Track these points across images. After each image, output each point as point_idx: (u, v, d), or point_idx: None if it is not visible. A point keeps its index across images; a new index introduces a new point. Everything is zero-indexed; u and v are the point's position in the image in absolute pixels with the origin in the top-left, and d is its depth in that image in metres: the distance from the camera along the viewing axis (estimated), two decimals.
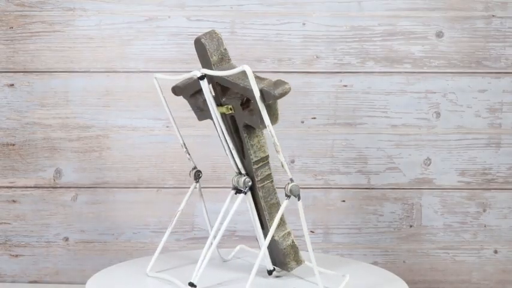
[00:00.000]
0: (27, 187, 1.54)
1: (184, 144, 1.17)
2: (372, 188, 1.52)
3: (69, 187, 1.53)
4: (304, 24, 1.50)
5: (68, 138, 1.52)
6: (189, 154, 1.17)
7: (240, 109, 1.07)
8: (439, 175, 1.52)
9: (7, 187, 1.54)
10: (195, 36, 1.50)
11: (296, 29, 1.49)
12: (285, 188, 1.02)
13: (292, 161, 1.52)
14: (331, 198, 1.52)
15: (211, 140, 1.50)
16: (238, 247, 1.27)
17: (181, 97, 1.53)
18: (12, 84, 1.52)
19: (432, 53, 1.50)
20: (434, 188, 1.52)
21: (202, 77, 1.04)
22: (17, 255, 1.55)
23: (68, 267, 1.55)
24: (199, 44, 1.09)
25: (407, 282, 1.17)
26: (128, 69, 1.51)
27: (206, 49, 1.08)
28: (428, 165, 1.51)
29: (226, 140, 1.09)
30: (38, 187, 1.53)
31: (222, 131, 1.08)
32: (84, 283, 1.18)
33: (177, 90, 1.15)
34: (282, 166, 1.01)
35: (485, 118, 1.51)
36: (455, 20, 1.49)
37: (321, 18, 1.50)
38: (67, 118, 1.52)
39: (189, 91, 1.14)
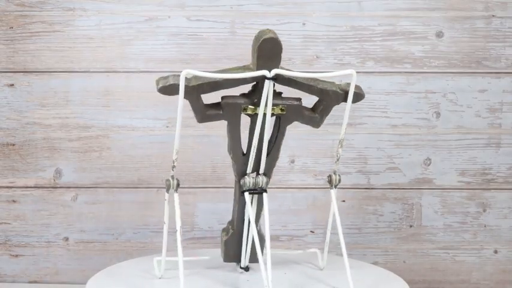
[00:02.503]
0: (27, 187, 1.54)
1: (177, 152, 1.12)
2: (372, 188, 1.52)
3: (69, 187, 1.53)
4: (304, 24, 1.50)
5: (68, 138, 1.52)
6: (176, 161, 1.11)
7: (293, 109, 1.08)
8: (439, 175, 1.52)
9: (7, 187, 1.54)
10: (195, 36, 1.51)
11: (296, 29, 1.49)
12: (331, 178, 1.12)
13: (292, 161, 1.52)
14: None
15: (211, 140, 1.50)
16: (155, 260, 1.18)
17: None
18: (12, 84, 1.52)
19: (432, 53, 1.50)
20: (434, 188, 1.52)
21: (274, 78, 1.03)
22: (17, 255, 1.55)
23: (68, 267, 1.55)
24: (274, 43, 1.04)
25: (408, 282, 1.17)
26: (128, 69, 1.51)
27: (281, 49, 1.05)
28: (428, 165, 1.51)
29: (262, 141, 1.08)
30: (38, 187, 1.53)
31: (263, 132, 1.07)
32: (84, 283, 1.18)
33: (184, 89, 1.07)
34: (337, 160, 1.12)
35: (485, 118, 1.51)
36: (455, 20, 1.49)
37: (321, 18, 1.50)
38: (67, 118, 1.52)
39: (204, 91, 1.09)
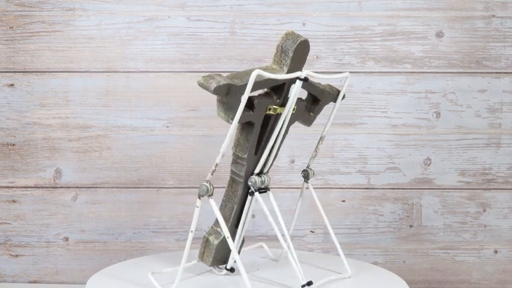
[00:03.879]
0: (27, 187, 1.54)
1: (223, 156, 1.07)
2: (372, 188, 1.52)
3: (69, 187, 1.53)
4: (304, 24, 1.50)
5: (68, 138, 1.52)
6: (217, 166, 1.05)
7: (300, 109, 1.12)
8: (439, 175, 1.52)
9: (7, 187, 1.54)
10: (195, 36, 1.51)
11: (296, 29, 1.49)
12: (307, 173, 1.18)
13: (292, 161, 1.52)
14: (331, 198, 1.52)
15: (211, 140, 1.50)
16: (150, 274, 1.13)
17: (179, 96, 1.53)
18: (12, 84, 1.52)
19: (432, 53, 1.50)
20: (434, 188, 1.52)
21: (306, 79, 1.04)
22: (17, 255, 1.55)
23: (68, 267, 1.55)
24: (306, 45, 1.07)
25: (408, 282, 1.17)
26: (127, 69, 1.51)
27: (309, 51, 1.08)
28: (428, 165, 1.51)
29: (278, 140, 1.09)
30: (38, 187, 1.53)
31: (280, 131, 1.07)
32: (84, 283, 1.18)
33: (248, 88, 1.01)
34: (315, 155, 1.17)
35: (485, 118, 1.51)
36: (455, 20, 1.49)
37: (321, 18, 1.50)
38: (67, 118, 1.52)
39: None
